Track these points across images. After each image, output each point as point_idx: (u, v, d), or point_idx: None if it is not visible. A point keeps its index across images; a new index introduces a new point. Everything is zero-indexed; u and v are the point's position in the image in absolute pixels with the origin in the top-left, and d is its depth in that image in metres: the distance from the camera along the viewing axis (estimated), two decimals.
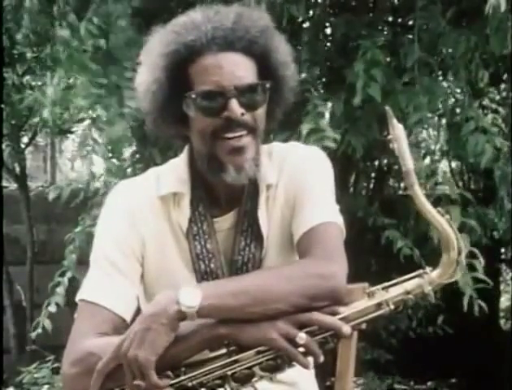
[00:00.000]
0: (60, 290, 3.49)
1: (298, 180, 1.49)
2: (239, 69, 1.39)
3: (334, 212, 1.47)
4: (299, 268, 1.36)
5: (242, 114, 1.38)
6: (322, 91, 3.09)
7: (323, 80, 3.29)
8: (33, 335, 3.62)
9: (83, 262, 3.51)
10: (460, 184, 4.55)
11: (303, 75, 3.13)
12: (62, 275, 3.55)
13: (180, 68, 1.39)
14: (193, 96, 1.39)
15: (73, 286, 3.53)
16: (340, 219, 1.47)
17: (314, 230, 1.41)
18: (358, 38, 3.03)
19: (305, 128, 2.82)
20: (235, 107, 1.37)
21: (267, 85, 1.42)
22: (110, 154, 3.68)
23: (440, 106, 3.32)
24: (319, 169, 1.53)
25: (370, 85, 2.82)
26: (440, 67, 3.25)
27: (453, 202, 2.88)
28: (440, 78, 3.43)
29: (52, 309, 3.46)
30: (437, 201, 2.93)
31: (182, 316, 1.24)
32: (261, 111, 1.43)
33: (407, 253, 3.14)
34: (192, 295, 1.25)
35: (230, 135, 1.39)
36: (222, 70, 1.38)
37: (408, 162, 1.29)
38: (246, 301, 1.26)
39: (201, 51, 1.38)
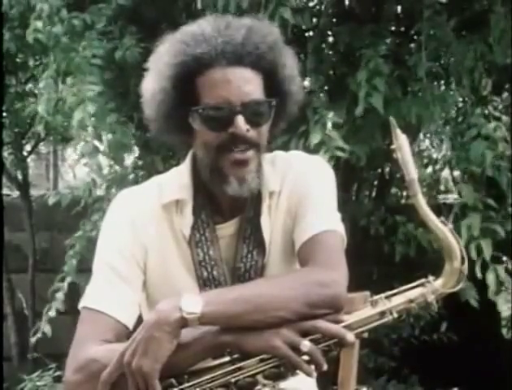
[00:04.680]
0: (60, 296, 3.48)
1: (301, 189, 1.50)
2: (247, 85, 1.39)
3: (335, 220, 1.48)
4: (300, 276, 1.37)
5: (247, 130, 1.39)
6: (324, 100, 3.09)
7: (326, 88, 3.29)
8: (33, 340, 3.61)
9: (83, 269, 3.54)
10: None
11: (308, 83, 3.13)
12: (62, 280, 3.54)
13: (188, 79, 1.40)
14: (200, 110, 1.39)
15: (73, 292, 3.54)
16: (341, 228, 1.47)
17: (316, 238, 1.42)
18: (362, 47, 3.02)
19: (314, 139, 2.80)
20: (241, 124, 1.37)
21: (273, 103, 1.43)
22: (111, 162, 3.69)
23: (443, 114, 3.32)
24: (322, 178, 1.53)
25: (372, 95, 2.82)
26: (444, 75, 3.26)
27: (474, 209, 2.87)
28: (443, 87, 3.43)
29: (52, 314, 3.45)
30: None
31: (184, 323, 1.24)
32: (265, 127, 1.44)
33: (425, 244, 3.16)
34: (193, 301, 1.25)
35: (234, 150, 1.39)
36: (230, 85, 1.38)
37: (411, 171, 1.30)
38: (248, 308, 1.26)
39: (210, 64, 1.38)
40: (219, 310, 1.25)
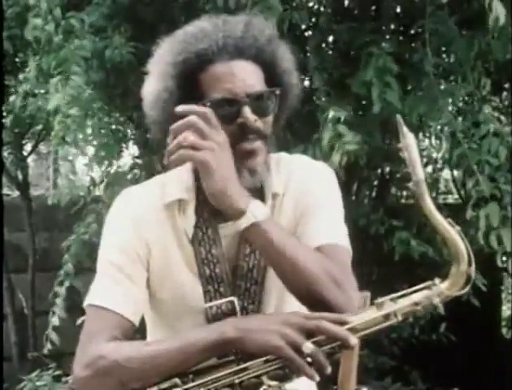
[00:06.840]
0: (59, 301, 3.48)
1: (307, 195, 1.51)
2: (250, 77, 1.42)
3: (342, 234, 1.49)
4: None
5: (255, 120, 1.41)
6: (326, 98, 3.09)
7: (327, 87, 3.29)
8: (45, 350, 3.60)
9: (80, 270, 3.54)
10: (462, 192, 4.54)
11: (314, 84, 3.13)
12: (61, 284, 3.54)
13: (191, 77, 1.41)
14: (208, 104, 1.40)
15: (72, 293, 3.55)
16: (347, 242, 1.48)
17: (321, 249, 1.42)
18: (362, 46, 3.03)
19: (326, 136, 2.80)
20: (249, 114, 1.40)
21: (277, 92, 1.45)
22: (106, 162, 3.69)
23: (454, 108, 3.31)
24: (328, 185, 1.55)
25: (386, 92, 2.83)
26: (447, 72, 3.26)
27: (492, 198, 2.85)
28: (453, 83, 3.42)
29: (55, 321, 3.45)
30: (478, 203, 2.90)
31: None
32: (270, 118, 1.46)
33: (421, 250, 3.13)
34: (262, 209, 1.35)
35: (243, 141, 1.41)
36: (234, 78, 1.40)
37: (419, 171, 1.27)
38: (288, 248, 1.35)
39: (213, 59, 1.41)
40: (269, 231, 1.34)
